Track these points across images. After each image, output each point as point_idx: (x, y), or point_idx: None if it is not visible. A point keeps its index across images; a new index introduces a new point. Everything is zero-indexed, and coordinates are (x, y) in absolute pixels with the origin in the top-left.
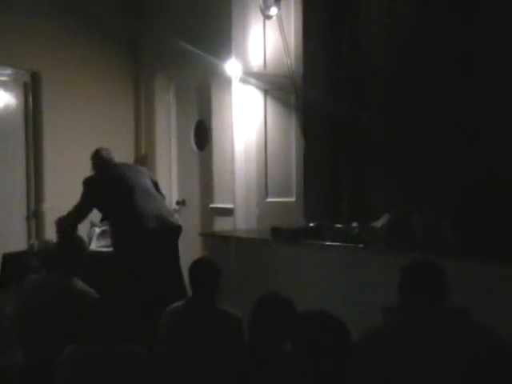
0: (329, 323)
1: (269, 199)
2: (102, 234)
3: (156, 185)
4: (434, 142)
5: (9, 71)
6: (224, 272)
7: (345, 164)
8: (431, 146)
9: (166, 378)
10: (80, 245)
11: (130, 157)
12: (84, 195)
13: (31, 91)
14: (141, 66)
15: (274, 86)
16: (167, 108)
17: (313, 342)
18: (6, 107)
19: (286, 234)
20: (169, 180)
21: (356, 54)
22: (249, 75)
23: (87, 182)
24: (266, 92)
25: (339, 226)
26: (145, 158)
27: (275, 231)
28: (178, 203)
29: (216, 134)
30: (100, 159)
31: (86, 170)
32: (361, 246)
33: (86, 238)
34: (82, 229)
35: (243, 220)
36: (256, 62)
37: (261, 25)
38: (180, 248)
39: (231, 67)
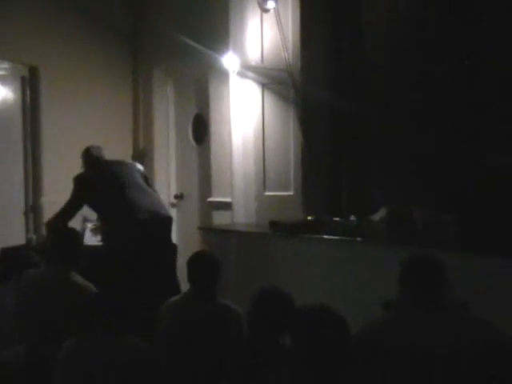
0: (327, 317)
1: (267, 193)
2: (94, 230)
3: (147, 179)
4: (434, 136)
5: (6, 65)
6: (223, 266)
7: (343, 158)
8: (431, 140)
9: (166, 372)
10: (77, 238)
11: (128, 151)
12: (74, 192)
13: (29, 85)
14: (139, 59)
15: (272, 80)
16: (165, 102)
17: (311, 336)
18: (4, 101)
19: (284, 228)
20: (167, 174)
21: (355, 47)
22: (246, 69)
23: (78, 179)
24: (263, 86)
25: (338, 219)
26: (143, 152)
27: (273, 225)
28: (176, 197)
29: (214, 128)
30: (90, 157)
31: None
32: (359, 239)
33: None
34: (73, 224)
35: (241, 214)
36: (254, 55)
37: (258, 18)
38: (179, 242)
39: (229, 61)
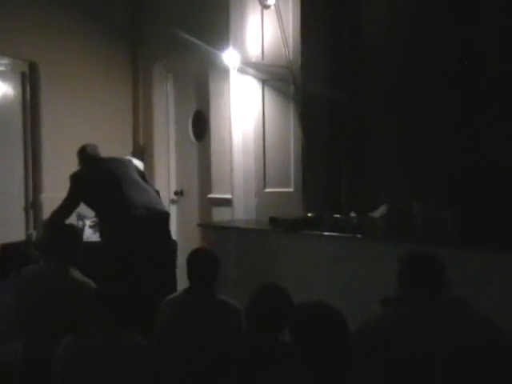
0: (326, 313)
1: (267, 189)
2: (93, 226)
3: (143, 175)
4: (432, 132)
5: (6, 61)
6: (222, 262)
7: (343, 154)
8: (430, 137)
9: (166, 369)
10: (76, 234)
11: (128, 147)
12: (71, 190)
13: (29, 81)
14: (139, 55)
15: (272, 76)
16: (165, 98)
17: (310, 333)
18: (4, 97)
19: (284, 225)
20: (167, 170)
21: (355, 44)
22: (247, 65)
23: (74, 177)
24: (263, 82)
25: (338, 216)
26: (143, 148)
27: (273, 221)
28: (176, 193)
29: (214, 124)
30: (86, 155)
31: None
32: (359, 236)
33: None
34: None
35: (241, 210)
36: (254, 51)
37: (259, 14)
38: (178, 238)
39: (229, 57)
